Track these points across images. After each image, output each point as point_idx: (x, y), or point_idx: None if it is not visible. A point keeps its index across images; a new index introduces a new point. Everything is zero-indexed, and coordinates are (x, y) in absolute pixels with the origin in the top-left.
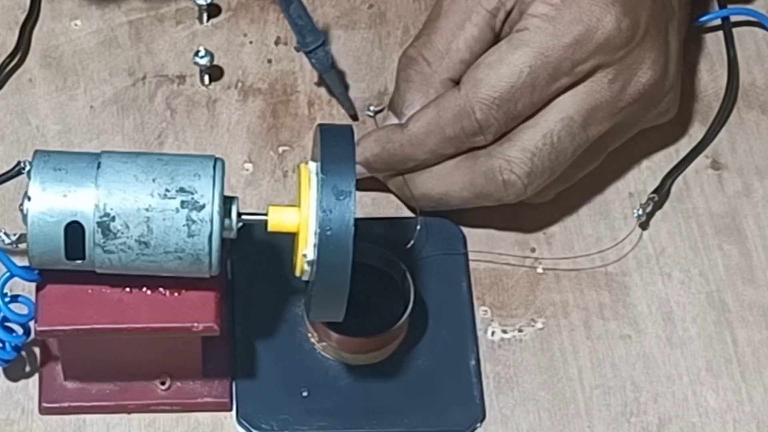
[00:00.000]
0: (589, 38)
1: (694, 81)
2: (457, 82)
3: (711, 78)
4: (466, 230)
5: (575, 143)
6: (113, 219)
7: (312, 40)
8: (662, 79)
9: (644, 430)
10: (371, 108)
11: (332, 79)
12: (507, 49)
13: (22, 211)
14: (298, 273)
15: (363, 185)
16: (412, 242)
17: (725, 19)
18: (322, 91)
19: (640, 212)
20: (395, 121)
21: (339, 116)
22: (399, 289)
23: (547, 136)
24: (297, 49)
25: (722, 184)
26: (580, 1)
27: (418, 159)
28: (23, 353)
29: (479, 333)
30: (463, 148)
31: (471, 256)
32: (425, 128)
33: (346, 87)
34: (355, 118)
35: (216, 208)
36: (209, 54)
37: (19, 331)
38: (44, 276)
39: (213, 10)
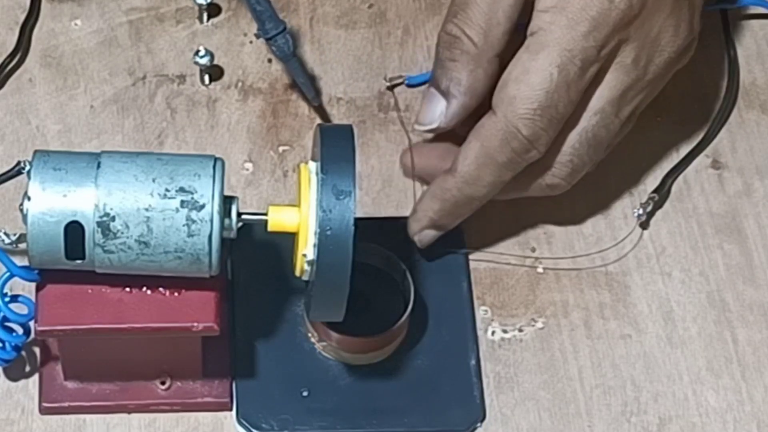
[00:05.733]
0: (605, 20)
1: (694, 81)
2: (501, 57)
3: (711, 78)
4: (466, 230)
5: (611, 133)
6: (113, 219)
7: (272, 26)
8: (689, 40)
9: (644, 429)
10: (389, 78)
11: (294, 67)
12: (529, 57)
13: (22, 211)
14: (298, 273)
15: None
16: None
17: (726, 19)
18: (322, 90)
19: (641, 212)
20: (439, 98)
21: (339, 116)
22: (399, 289)
23: (583, 134)
24: (257, 37)
25: (722, 183)
26: None
27: (480, 196)
28: (23, 353)
29: (479, 333)
30: (519, 168)
31: (471, 256)
32: (475, 164)
33: (311, 76)
34: (320, 108)
35: (216, 207)
36: (209, 54)
37: (19, 331)
38: (44, 276)
39: (213, 10)
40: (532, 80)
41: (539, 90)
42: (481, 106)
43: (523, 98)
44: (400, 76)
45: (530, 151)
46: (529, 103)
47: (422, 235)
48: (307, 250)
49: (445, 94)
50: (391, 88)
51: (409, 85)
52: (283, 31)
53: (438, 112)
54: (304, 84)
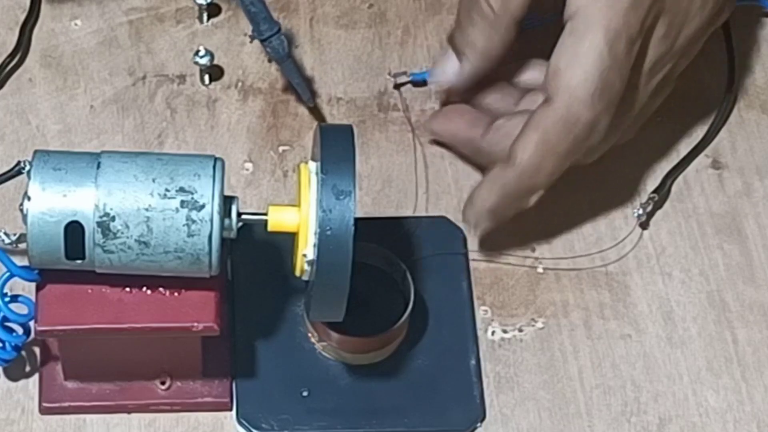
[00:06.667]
0: None
1: (694, 81)
2: (519, 22)
3: (711, 78)
4: (466, 230)
5: (639, 103)
6: (113, 219)
7: (266, 28)
8: (720, 4)
9: (644, 429)
10: (393, 73)
11: (289, 69)
12: (574, 41)
13: (22, 211)
14: (298, 273)
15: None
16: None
17: (726, 19)
18: (322, 90)
19: (641, 212)
20: (453, 57)
21: (339, 116)
22: (399, 289)
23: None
24: (251, 38)
25: (722, 183)
26: None
27: (540, 185)
28: (23, 353)
29: (479, 333)
30: (578, 155)
31: (471, 256)
32: (536, 154)
33: (306, 77)
34: (315, 110)
35: (216, 207)
36: (209, 54)
37: (19, 331)
38: (44, 276)
39: (213, 10)
40: (584, 63)
41: (593, 71)
42: (493, 71)
43: (580, 82)
44: (404, 73)
45: (591, 137)
46: (588, 86)
47: (478, 224)
48: (307, 250)
49: (459, 55)
50: (397, 86)
51: (415, 84)
52: (278, 32)
53: (451, 70)
54: (299, 85)
